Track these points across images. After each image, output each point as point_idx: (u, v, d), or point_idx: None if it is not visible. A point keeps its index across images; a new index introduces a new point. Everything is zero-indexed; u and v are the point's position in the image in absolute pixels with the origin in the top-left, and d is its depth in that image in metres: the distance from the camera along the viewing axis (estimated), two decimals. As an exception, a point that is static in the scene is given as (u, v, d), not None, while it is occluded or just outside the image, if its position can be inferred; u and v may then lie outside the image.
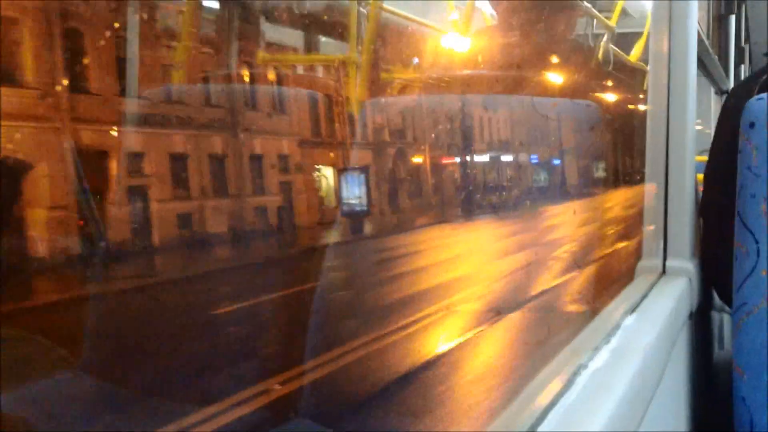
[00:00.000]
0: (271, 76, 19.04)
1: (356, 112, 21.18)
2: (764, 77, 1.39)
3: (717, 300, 1.66)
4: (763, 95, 1.25)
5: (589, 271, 10.59)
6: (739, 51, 3.60)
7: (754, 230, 1.25)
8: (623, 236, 13.74)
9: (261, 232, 15.36)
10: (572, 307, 8.15)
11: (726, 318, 1.90)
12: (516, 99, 27.44)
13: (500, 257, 12.41)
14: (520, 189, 32.01)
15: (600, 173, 34.08)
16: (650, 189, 1.53)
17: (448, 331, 7.26)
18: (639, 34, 20.12)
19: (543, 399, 0.81)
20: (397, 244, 15.72)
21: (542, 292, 9.14)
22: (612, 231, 15.38)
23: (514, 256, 12.22)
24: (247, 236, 14.65)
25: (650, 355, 0.99)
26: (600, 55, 21.95)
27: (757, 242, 1.24)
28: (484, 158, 30.30)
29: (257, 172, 17.17)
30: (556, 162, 34.97)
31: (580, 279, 10.06)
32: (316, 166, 19.94)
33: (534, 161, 33.33)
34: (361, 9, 17.72)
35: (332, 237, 16.36)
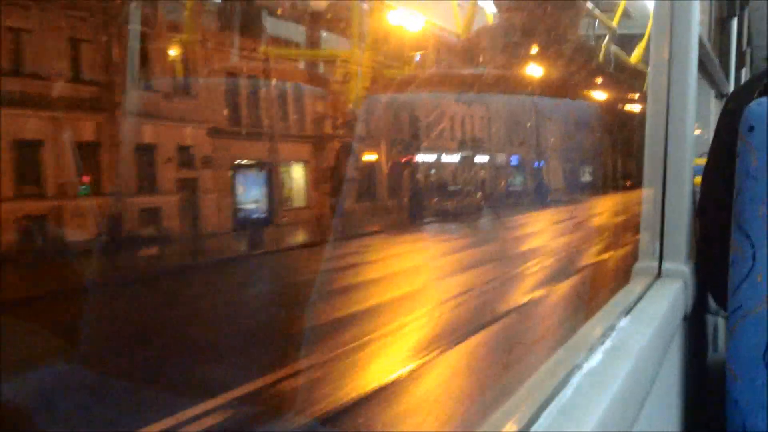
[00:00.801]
0: (175, 49, 15.00)
1: (359, 106, 20.81)
2: (764, 81, 1.39)
3: (712, 303, 1.67)
4: (763, 99, 1.25)
5: (561, 290, 9.45)
6: (740, 54, 3.60)
7: (751, 234, 1.25)
8: (606, 248, 12.71)
9: (146, 240, 12.41)
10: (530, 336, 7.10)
11: (720, 321, 1.91)
12: (498, 97, 26.16)
13: (453, 273, 10.87)
14: (492, 193, 29.27)
15: (587, 177, 32.69)
16: (648, 191, 1.53)
17: (366, 377, 5.92)
18: (640, 36, 20.12)
19: (538, 398, 0.81)
20: (334, 255, 13.13)
21: (495, 319, 7.71)
22: (596, 244, 14.10)
23: (472, 271, 10.76)
24: (125, 245, 11.72)
25: (644, 356, 0.99)
26: (601, 56, 21.93)
27: (753, 246, 1.25)
28: (454, 158, 28.08)
29: (146, 165, 13.91)
30: (540, 164, 33.15)
31: (549, 301, 8.81)
32: (235, 161, 16.96)
33: (514, 163, 31.00)
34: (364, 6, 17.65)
35: (244, 246, 13.94)
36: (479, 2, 20.82)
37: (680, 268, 1.44)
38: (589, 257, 12.63)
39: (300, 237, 16.58)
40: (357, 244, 14.85)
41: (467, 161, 29.05)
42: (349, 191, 20.47)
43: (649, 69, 1.57)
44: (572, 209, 24.64)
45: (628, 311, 1.16)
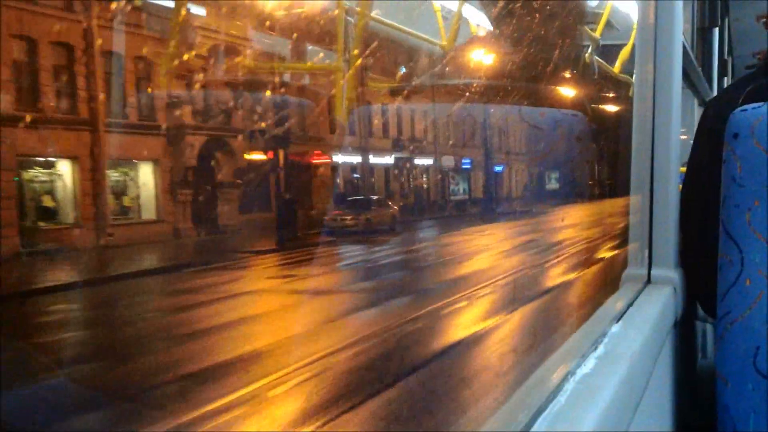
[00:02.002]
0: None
1: (345, 119, 20.69)
2: (747, 88, 1.41)
3: (701, 309, 1.68)
4: (747, 107, 1.27)
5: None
6: (722, 63, 3.64)
7: (738, 240, 1.26)
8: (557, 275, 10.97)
9: None
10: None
11: (709, 327, 1.92)
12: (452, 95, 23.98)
13: (338, 317, 7.93)
14: (428, 203, 26.26)
15: (553, 184, 29.72)
16: (635, 198, 1.54)
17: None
18: (622, 46, 20.32)
19: (532, 404, 0.81)
20: (182, 288, 10.01)
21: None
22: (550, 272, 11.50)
23: (364, 313, 8.11)
24: None
25: (636, 362, 1.00)
26: (583, 66, 22.07)
27: (741, 252, 1.26)
28: (384, 160, 24.99)
29: None
30: (499, 169, 30.00)
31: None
32: (32, 157, 12.65)
33: (466, 166, 27.84)
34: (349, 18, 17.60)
35: (41, 275, 10.00)
36: (464, 14, 20.80)
37: (669, 274, 1.45)
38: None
39: (119, 264, 11.56)
40: (220, 272, 11.35)
41: (404, 164, 26.03)
42: (228, 199, 16.23)
43: (634, 78, 1.59)
44: (529, 223, 21.61)
45: (619, 318, 1.16)
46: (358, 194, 22.13)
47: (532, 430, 0.77)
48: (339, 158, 23.48)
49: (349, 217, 18.18)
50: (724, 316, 1.29)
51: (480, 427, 0.83)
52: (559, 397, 0.83)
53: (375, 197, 21.85)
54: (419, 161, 28.08)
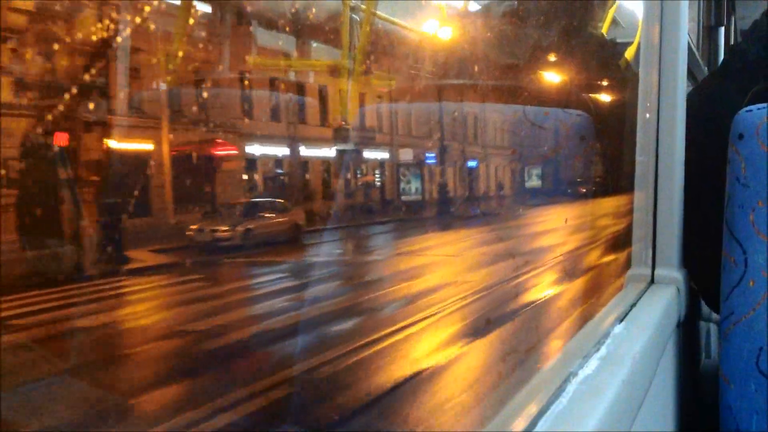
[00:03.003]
0: None
1: (350, 118, 20.48)
2: (754, 89, 1.40)
3: (704, 309, 1.68)
4: (753, 107, 1.27)
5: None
6: None
7: (742, 240, 1.26)
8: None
9: None
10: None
11: (713, 327, 1.92)
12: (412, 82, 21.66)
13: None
14: (382, 204, 22.53)
15: (534, 182, 26.14)
16: (639, 197, 1.54)
17: None
18: (628, 44, 20.22)
19: (533, 406, 0.81)
20: None
21: None
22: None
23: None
24: None
25: (639, 363, 1.00)
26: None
27: (744, 252, 1.26)
28: (320, 152, 21.41)
29: None
30: (472, 164, 26.70)
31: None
32: None
33: (431, 161, 24.36)
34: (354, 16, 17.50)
35: None
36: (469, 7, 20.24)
37: (673, 274, 1.45)
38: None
39: None
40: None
41: (349, 157, 22.03)
42: (73, 203, 11.94)
43: (639, 76, 1.59)
44: (509, 227, 18.26)
45: (622, 318, 1.16)
46: (280, 194, 18.49)
47: (534, 431, 0.77)
48: (257, 149, 19.39)
49: (222, 228, 13.35)
50: (727, 316, 1.29)
51: (481, 428, 0.83)
52: (561, 398, 0.83)
53: (268, 200, 17.05)
54: (371, 154, 24.37)
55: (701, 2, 2.90)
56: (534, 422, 0.78)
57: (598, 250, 13.17)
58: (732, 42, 3.21)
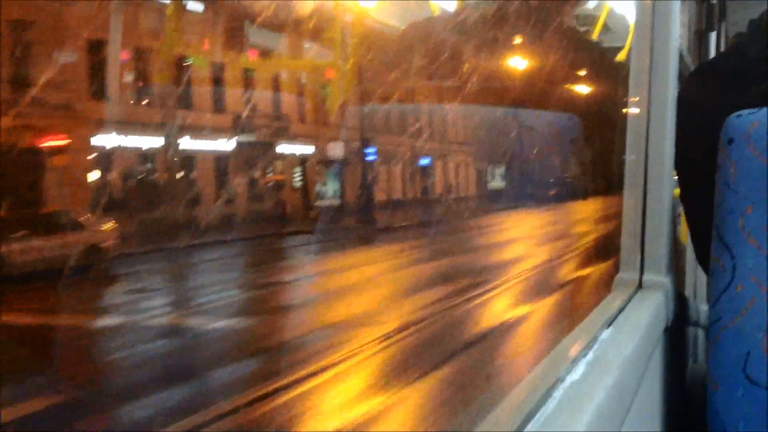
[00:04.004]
0: None
1: (343, 117, 19.91)
2: (745, 95, 1.40)
3: (692, 314, 1.68)
4: (742, 112, 1.27)
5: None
6: None
7: (731, 246, 1.26)
8: None
9: None
10: None
11: (700, 332, 1.93)
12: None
13: None
14: (302, 209, 18.46)
15: (497, 183, 23.80)
16: (629, 202, 1.54)
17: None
18: (619, 49, 20.29)
19: (521, 411, 0.81)
20: None
21: None
22: None
23: None
24: None
25: (627, 368, 1.00)
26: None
27: (733, 258, 1.26)
28: (218, 144, 17.95)
29: None
30: (425, 162, 23.44)
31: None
32: None
33: (371, 157, 19.99)
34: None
35: None
36: None
37: (661, 279, 1.45)
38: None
39: None
40: None
41: (254, 151, 18.33)
42: None
43: (629, 82, 1.59)
44: (462, 239, 14.78)
45: (609, 323, 1.16)
46: (151, 198, 14.79)
47: None
48: (112, 140, 14.69)
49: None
50: (715, 321, 1.29)
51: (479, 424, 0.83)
52: (548, 403, 0.83)
53: (62, 210, 12.08)
54: (287, 148, 20.13)
55: (692, 7, 2.92)
56: (521, 427, 0.78)
57: (571, 263, 11.64)
58: (722, 47, 3.23)
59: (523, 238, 15.27)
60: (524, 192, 21.25)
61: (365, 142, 18.72)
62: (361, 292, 10.02)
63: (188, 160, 17.64)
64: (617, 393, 0.92)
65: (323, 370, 6.11)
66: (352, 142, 19.44)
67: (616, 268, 1.52)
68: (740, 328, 1.25)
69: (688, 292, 2.50)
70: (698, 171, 1.45)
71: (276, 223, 17.34)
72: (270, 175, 19.98)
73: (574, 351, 1.00)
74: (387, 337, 7.07)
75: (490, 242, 14.67)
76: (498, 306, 9.13)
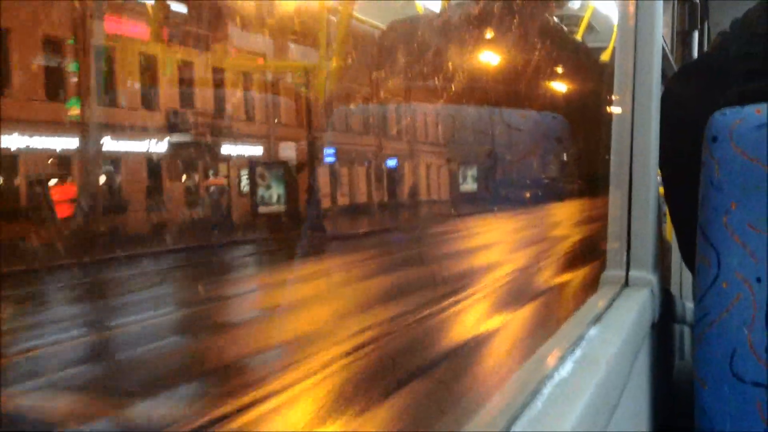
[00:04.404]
0: None
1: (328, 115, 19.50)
2: (727, 92, 1.41)
3: (678, 311, 1.69)
4: (726, 110, 1.28)
5: None
6: None
7: (715, 243, 1.27)
8: None
9: None
10: None
11: (686, 329, 1.94)
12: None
13: None
14: (250, 216, 16.25)
15: (469, 185, 21.62)
16: (614, 199, 1.55)
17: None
18: (603, 49, 20.39)
19: (509, 409, 0.81)
20: None
21: None
22: None
23: None
24: None
25: (614, 365, 1.00)
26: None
27: (718, 255, 1.27)
28: (142, 146, 15.87)
29: None
30: (392, 164, 21.77)
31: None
32: None
33: (329, 159, 18.87)
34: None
35: None
36: None
37: (647, 276, 1.46)
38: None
39: None
40: None
41: (192, 152, 16.83)
42: None
43: (614, 81, 1.60)
44: (398, 254, 13.16)
45: (596, 320, 1.17)
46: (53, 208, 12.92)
47: None
48: (16, 141, 13.14)
49: None
50: (701, 318, 1.30)
51: (458, 429, 0.83)
52: (536, 401, 0.83)
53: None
54: (234, 150, 18.72)
55: (675, 7, 2.94)
56: (509, 424, 0.78)
57: (545, 272, 10.49)
58: (705, 46, 3.26)
59: (499, 242, 14.20)
60: (498, 194, 20.17)
61: (311, 140, 17.09)
62: (312, 308, 9.11)
63: (112, 162, 15.87)
64: (605, 390, 0.92)
65: (267, 397, 5.41)
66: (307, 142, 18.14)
67: (604, 266, 1.53)
68: (726, 325, 1.26)
69: (673, 289, 2.52)
70: (682, 169, 1.46)
71: (217, 232, 15.81)
72: (212, 178, 18.38)
73: (561, 348, 1.01)
74: (334, 361, 6.30)
75: (458, 249, 13.27)
76: (467, 319, 8.33)
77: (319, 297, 9.72)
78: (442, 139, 23.69)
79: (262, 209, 17.11)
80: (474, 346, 6.89)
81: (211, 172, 18.44)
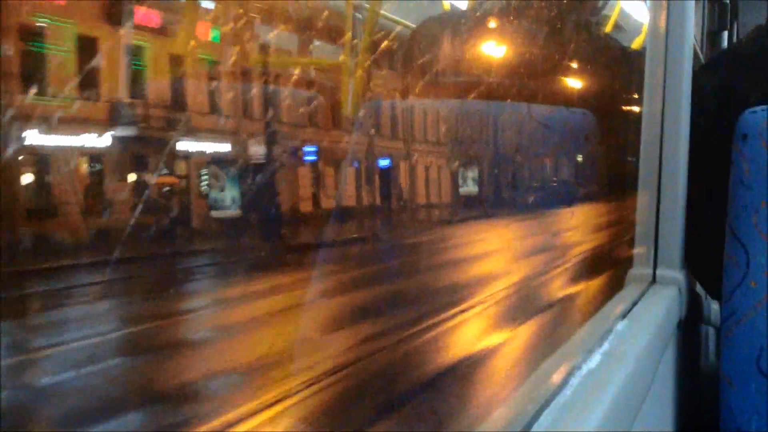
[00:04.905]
0: None
1: (354, 113, 18.98)
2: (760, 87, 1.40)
3: (705, 311, 1.69)
4: (757, 108, 1.28)
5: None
6: None
7: (745, 242, 1.28)
8: None
9: None
10: None
11: (711, 331, 1.94)
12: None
13: None
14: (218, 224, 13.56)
15: (469, 187, 20.09)
16: (643, 197, 1.56)
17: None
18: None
19: (537, 399, 0.82)
20: None
21: None
22: None
23: None
24: None
25: (641, 360, 1.01)
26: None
27: (747, 253, 1.27)
28: (80, 140, 13.59)
29: None
30: (384, 164, 19.58)
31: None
32: None
33: (309, 158, 17.01)
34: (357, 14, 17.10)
35: None
36: None
37: (674, 274, 1.46)
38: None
39: None
40: None
41: (141, 148, 14.57)
42: None
43: (645, 80, 1.61)
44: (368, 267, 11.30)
45: (624, 315, 1.18)
46: None
47: (539, 422, 0.78)
48: None
49: None
50: (728, 317, 1.30)
51: (485, 420, 0.85)
52: (564, 390, 0.85)
53: None
54: (193, 146, 16.56)
55: (705, 7, 2.93)
56: (537, 414, 0.79)
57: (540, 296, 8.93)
58: None
59: (497, 251, 12.14)
60: (501, 198, 18.21)
61: (270, 137, 15.15)
62: (274, 326, 8.04)
63: (40, 160, 13.55)
64: (633, 384, 0.93)
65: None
66: (288, 139, 16.49)
67: (630, 263, 1.53)
68: (754, 324, 1.26)
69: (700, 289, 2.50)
70: (707, 164, 1.46)
71: (160, 240, 13.13)
72: (164, 177, 15.91)
73: (590, 341, 1.02)
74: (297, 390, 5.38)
75: (436, 263, 11.67)
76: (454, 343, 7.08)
77: (289, 313, 8.46)
78: (444, 137, 21.59)
79: (214, 213, 14.51)
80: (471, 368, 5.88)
81: (165, 171, 15.72)
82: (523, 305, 8.33)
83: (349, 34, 16.43)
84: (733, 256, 1.30)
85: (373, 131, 19.21)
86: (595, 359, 0.95)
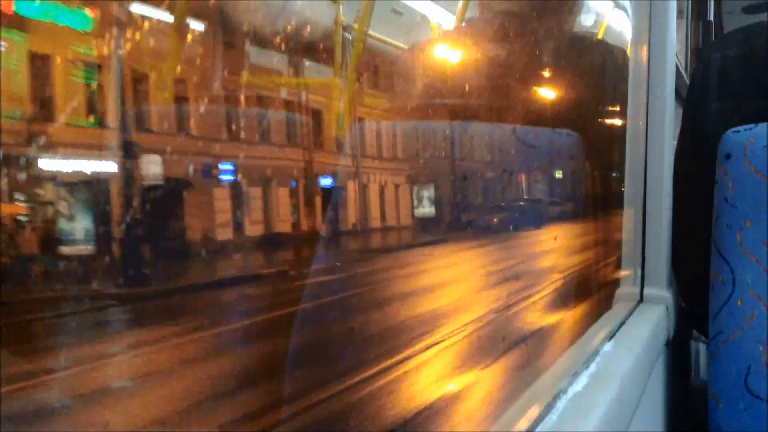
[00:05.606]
0: None
1: (343, 135, 18.71)
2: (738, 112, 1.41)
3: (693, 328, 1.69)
4: (739, 128, 1.29)
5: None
6: None
7: (730, 260, 1.27)
8: None
9: None
10: None
11: (701, 346, 1.93)
12: None
13: None
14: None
15: (426, 208, 22.36)
16: (629, 216, 1.55)
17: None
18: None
19: (522, 424, 0.81)
20: None
21: None
22: None
23: None
24: None
25: (628, 381, 1.00)
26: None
27: (732, 272, 1.27)
28: None
29: None
30: (327, 183, 19.52)
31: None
32: None
33: (226, 177, 16.44)
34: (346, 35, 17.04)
35: None
36: (422, 11, 18.51)
37: (661, 293, 1.46)
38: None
39: None
40: None
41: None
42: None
43: (628, 100, 1.61)
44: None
45: (611, 336, 1.17)
46: None
47: None
48: None
49: None
50: (716, 335, 1.30)
51: None
52: (551, 415, 0.84)
53: None
54: (63, 165, 16.10)
55: (689, 24, 2.95)
56: None
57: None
58: None
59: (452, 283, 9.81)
60: (459, 220, 17.77)
61: (128, 147, 11.98)
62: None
63: None
64: (619, 405, 0.93)
65: None
66: (201, 155, 14.24)
67: (617, 283, 1.53)
68: (741, 342, 1.26)
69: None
70: (694, 186, 1.46)
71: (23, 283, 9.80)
72: (12, 206, 13.30)
73: (576, 363, 1.01)
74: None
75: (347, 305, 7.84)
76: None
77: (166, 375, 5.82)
78: (402, 153, 21.22)
79: (63, 250, 11.69)
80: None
81: (20, 197, 12.81)
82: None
83: (337, 54, 16.36)
84: (719, 275, 1.29)
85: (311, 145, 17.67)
86: (581, 382, 0.94)
